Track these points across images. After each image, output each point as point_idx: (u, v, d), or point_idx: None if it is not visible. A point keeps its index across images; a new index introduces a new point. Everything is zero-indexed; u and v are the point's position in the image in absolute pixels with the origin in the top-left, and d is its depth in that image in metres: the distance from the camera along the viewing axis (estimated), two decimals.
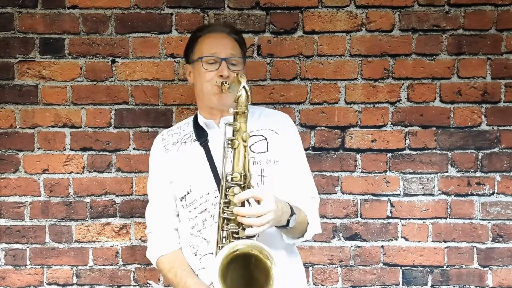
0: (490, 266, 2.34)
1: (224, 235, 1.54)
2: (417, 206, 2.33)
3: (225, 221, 1.53)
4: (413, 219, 2.34)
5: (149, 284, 2.34)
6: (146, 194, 1.86)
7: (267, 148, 1.71)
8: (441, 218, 2.33)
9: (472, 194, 2.33)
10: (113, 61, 2.31)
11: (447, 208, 2.34)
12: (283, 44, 2.31)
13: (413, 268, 2.35)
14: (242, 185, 1.52)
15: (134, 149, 2.33)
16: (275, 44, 2.31)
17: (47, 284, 2.34)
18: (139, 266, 2.35)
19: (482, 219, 2.33)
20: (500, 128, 2.32)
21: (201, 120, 1.78)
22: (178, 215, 1.79)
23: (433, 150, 2.33)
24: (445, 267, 2.34)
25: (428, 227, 2.33)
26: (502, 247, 2.34)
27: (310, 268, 2.35)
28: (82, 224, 2.34)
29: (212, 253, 1.63)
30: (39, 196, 2.33)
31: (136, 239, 2.34)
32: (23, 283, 2.34)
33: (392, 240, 2.34)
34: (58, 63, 2.30)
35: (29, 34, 2.29)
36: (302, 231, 1.67)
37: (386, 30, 2.30)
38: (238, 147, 1.53)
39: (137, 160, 2.32)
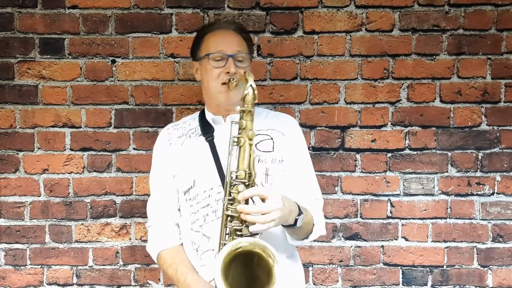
0: (490, 266, 2.34)
1: (227, 232, 1.54)
2: (417, 206, 2.33)
3: (229, 218, 1.53)
4: (413, 219, 2.34)
5: (149, 284, 2.34)
6: (146, 194, 1.86)
7: (273, 147, 1.71)
8: (441, 218, 2.33)
9: (472, 194, 2.33)
10: (113, 61, 2.31)
11: (447, 208, 2.34)
12: (283, 44, 2.31)
13: (413, 268, 2.35)
14: (247, 183, 1.52)
15: (134, 149, 2.33)
16: (275, 44, 2.31)
17: (47, 284, 2.34)
18: (139, 266, 2.35)
19: (482, 219, 2.33)
20: (500, 128, 2.32)
21: (209, 116, 1.77)
22: (179, 210, 1.78)
23: (433, 150, 2.33)
24: (445, 267, 2.34)
25: (428, 227, 2.33)
26: (502, 247, 2.34)
27: (310, 268, 2.35)
28: (82, 224, 2.34)
29: (213, 250, 1.63)
30: (39, 196, 2.33)
31: (136, 239, 2.34)
32: (23, 283, 2.34)
33: (392, 240, 2.34)
34: (58, 63, 2.30)
35: (29, 34, 2.29)
36: (307, 232, 1.67)
37: (386, 30, 2.30)
38: (244, 145, 1.53)
39: (137, 160, 2.32)
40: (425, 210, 2.33)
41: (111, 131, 2.32)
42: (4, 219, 2.33)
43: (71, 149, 2.32)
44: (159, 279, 2.35)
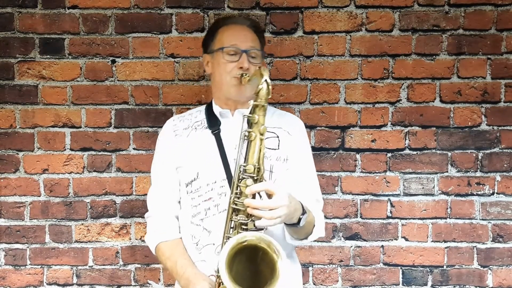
0: (490, 266, 2.34)
1: (232, 226, 1.54)
2: (417, 206, 2.33)
3: (234, 212, 1.53)
4: (413, 219, 2.34)
5: (149, 284, 2.34)
6: (146, 194, 1.85)
7: (278, 145, 1.72)
8: (441, 218, 2.33)
9: (472, 194, 2.33)
10: (113, 61, 2.31)
11: (447, 208, 2.34)
12: (283, 44, 2.31)
13: (413, 268, 2.35)
14: (255, 178, 1.51)
15: (134, 149, 2.33)
16: (275, 44, 2.31)
17: (47, 284, 2.34)
18: (139, 266, 2.35)
19: (482, 219, 2.33)
20: (500, 128, 2.32)
21: (216, 109, 1.77)
22: (179, 202, 1.77)
23: (433, 150, 2.33)
24: (445, 267, 2.34)
25: (428, 227, 2.33)
26: (502, 247, 2.33)
27: (310, 268, 2.35)
28: (82, 224, 2.34)
29: (213, 244, 1.63)
30: (39, 196, 2.33)
31: (136, 239, 2.34)
32: (23, 283, 2.34)
33: (392, 240, 2.34)
34: (58, 63, 2.30)
35: (29, 34, 2.29)
36: (307, 233, 1.67)
37: (386, 30, 2.30)
38: (255, 140, 1.53)
39: (137, 160, 2.32)
40: (425, 210, 2.33)
41: (111, 131, 2.32)
42: (4, 219, 2.33)
43: (71, 149, 2.32)
44: (159, 279, 2.35)
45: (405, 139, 2.33)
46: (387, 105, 2.32)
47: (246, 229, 1.50)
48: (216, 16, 2.29)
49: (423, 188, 2.33)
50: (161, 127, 1.87)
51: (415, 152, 2.33)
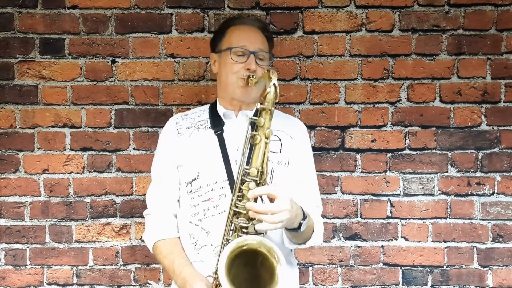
0: (490, 266, 2.34)
1: (232, 228, 1.53)
2: (417, 206, 2.33)
3: (235, 215, 1.52)
4: (413, 219, 2.34)
5: (149, 284, 2.34)
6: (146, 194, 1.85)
7: (280, 149, 1.71)
8: (441, 218, 2.34)
9: (472, 194, 2.33)
10: (113, 61, 2.31)
11: (447, 208, 2.34)
12: (283, 44, 2.31)
13: (413, 268, 2.35)
14: (258, 181, 1.51)
15: (134, 149, 2.33)
16: (275, 44, 2.28)
17: (47, 284, 2.34)
18: (139, 266, 2.35)
19: (482, 219, 2.33)
20: (500, 128, 2.32)
21: (221, 110, 1.76)
22: (179, 201, 1.77)
23: (433, 150, 2.33)
24: (445, 267, 2.34)
25: (428, 227, 2.33)
26: (502, 247, 2.34)
27: (310, 268, 2.35)
28: (82, 224, 2.34)
29: (212, 245, 1.63)
30: (39, 196, 2.33)
31: (136, 239, 2.34)
32: (23, 283, 2.34)
33: (392, 240, 2.34)
34: (58, 63, 2.30)
35: (29, 34, 2.29)
36: (306, 238, 1.66)
37: (386, 30, 2.30)
38: (260, 143, 1.52)
39: (137, 160, 2.32)
40: (425, 210, 2.33)
41: (111, 131, 2.32)
42: (4, 219, 2.33)
43: (71, 149, 2.32)
44: (159, 279, 2.35)
45: (405, 139, 2.33)
46: (387, 105, 2.32)
47: (247, 233, 1.49)
48: (216, 16, 2.29)
49: (423, 188, 2.33)
50: (161, 127, 1.86)
51: (415, 152, 2.33)
